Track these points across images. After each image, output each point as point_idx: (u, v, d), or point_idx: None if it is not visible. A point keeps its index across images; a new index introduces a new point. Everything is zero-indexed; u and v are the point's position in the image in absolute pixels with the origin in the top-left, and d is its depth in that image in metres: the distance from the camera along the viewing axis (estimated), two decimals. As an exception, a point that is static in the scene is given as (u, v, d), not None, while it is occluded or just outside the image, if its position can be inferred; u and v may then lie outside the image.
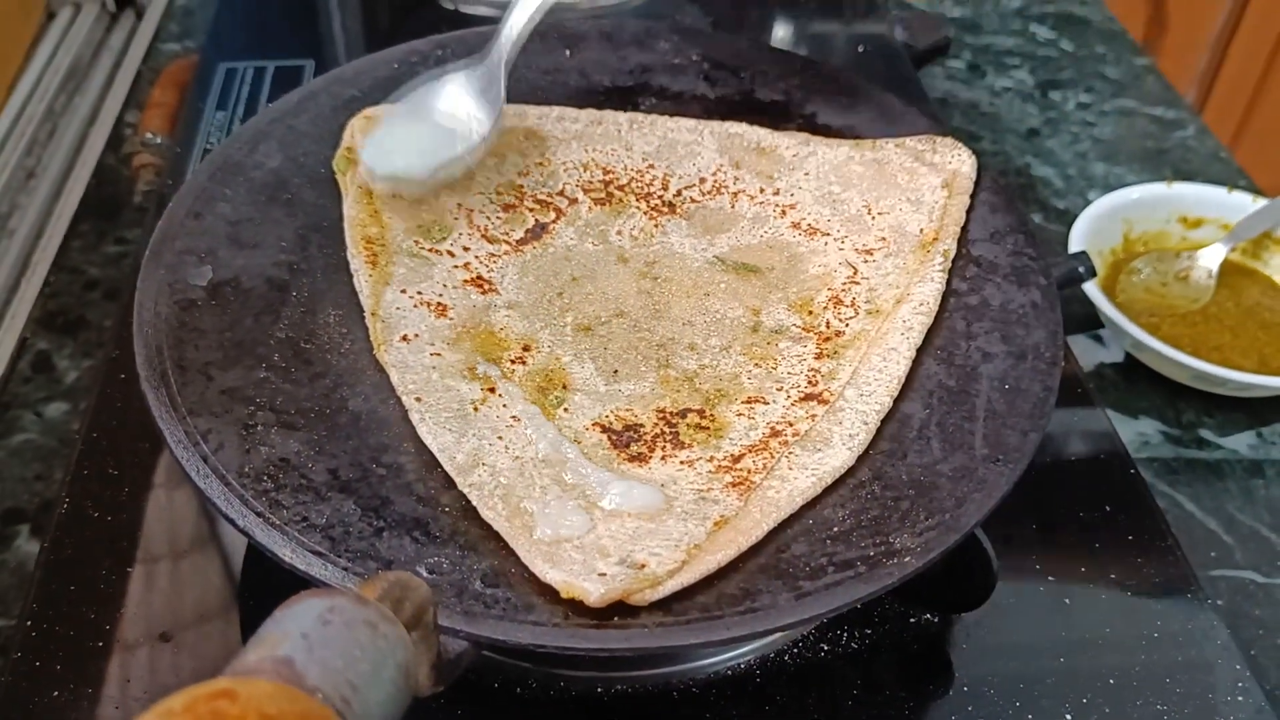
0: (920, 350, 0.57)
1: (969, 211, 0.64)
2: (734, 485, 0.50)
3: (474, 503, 0.49)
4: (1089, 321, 0.82)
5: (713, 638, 0.44)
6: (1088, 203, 0.85)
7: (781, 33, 1.07)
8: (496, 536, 0.48)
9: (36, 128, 0.93)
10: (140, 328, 0.54)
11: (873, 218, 0.65)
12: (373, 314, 0.57)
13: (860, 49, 1.03)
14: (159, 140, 0.93)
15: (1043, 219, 0.93)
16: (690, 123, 0.70)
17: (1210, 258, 0.83)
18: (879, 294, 0.61)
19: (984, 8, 1.19)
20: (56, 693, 0.53)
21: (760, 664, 0.56)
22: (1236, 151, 1.04)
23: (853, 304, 0.61)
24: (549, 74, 0.73)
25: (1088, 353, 0.81)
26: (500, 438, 0.52)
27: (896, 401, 0.55)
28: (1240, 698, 0.56)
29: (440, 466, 0.51)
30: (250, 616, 0.58)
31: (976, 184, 0.66)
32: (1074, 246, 0.80)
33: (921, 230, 0.63)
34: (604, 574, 0.45)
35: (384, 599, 0.35)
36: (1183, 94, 1.08)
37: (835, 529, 0.48)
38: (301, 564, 0.45)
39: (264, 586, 0.59)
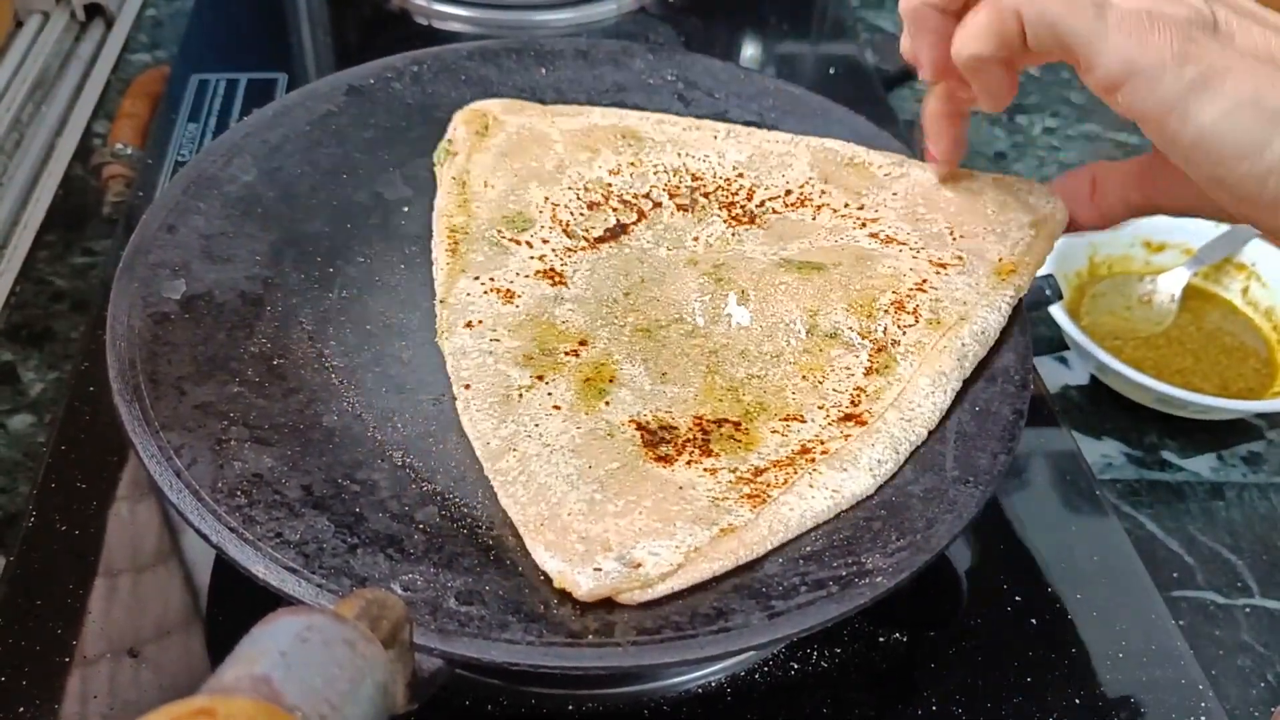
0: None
1: None
2: (749, 497, 0.50)
3: (495, 489, 0.50)
4: (1054, 344, 0.83)
5: (686, 656, 0.44)
6: (1054, 226, 0.86)
7: (752, 53, 1.08)
8: (471, 554, 0.48)
9: (3, 137, 0.92)
10: (113, 341, 0.53)
11: (954, 239, 0.63)
12: (441, 301, 0.59)
13: (831, 70, 1.04)
14: (129, 151, 0.92)
15: (1009, 242, 0.93)
16: (785, 135, 0.70)
17: (1173, 282, 0.84)
18: (944, 306, 0.59)
19: (952, 32, 1.20)
20: (22, 708, 0.53)
21: (731, 682, 0.57)
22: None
23: (914, 311, 0.58)
24: (524, 92, 0.73)
25: (1053, 374, 0.82)
26: (537, 425, 0.53)
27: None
28: (1203, 718, 0.57)
29: (414, 484, 0.51)
30: (217, 631, 0.58)
31: None
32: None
33: (1000, 259, 0.61)
34: (599, 569, 0.45)
35: (361, 617, 0.35)
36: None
37: (808, 549, 0.49)
38: (275, 580, 0.45)
39: (231, 601, 0.59)
